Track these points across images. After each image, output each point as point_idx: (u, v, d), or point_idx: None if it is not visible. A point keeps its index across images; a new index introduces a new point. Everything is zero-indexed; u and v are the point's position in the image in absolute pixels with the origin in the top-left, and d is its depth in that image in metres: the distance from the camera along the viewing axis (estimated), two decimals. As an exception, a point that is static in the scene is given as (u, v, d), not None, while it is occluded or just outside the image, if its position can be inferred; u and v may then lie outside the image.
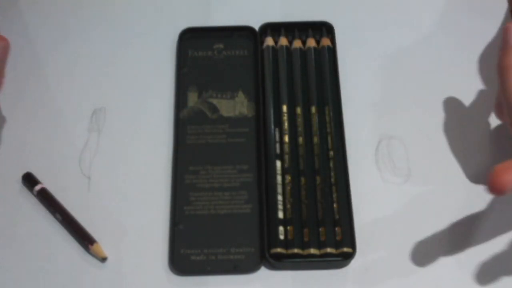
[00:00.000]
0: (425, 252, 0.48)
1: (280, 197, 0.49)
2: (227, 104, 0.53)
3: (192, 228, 0.48)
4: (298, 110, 0.52)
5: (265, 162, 0.50)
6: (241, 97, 0.53)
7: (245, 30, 0.56)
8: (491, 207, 0.49)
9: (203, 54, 0.55)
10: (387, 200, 0.50)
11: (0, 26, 0.57)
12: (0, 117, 0.53)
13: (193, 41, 0.56)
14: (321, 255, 0.47)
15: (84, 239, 0.48)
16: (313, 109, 0.52)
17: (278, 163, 0.50)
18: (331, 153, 0.50)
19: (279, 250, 0.47)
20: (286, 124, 0.51)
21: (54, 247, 0.48)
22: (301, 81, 0.53)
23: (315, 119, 0.51)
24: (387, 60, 0.55)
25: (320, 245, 0.47)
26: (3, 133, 0.53)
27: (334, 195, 0.48)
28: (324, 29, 0.55)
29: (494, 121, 0.52)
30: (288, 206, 0.48)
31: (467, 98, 0.54)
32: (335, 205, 0.48)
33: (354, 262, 0.47)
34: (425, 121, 0.53)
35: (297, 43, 0.55)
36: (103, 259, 0.47)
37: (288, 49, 0.55)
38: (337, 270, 0.47)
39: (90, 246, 0.48)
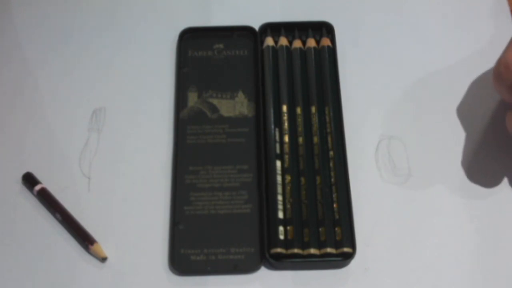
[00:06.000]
0: (425, 252, 0.48)
1: (280, 197, 0.49)
2: (227, 104, 0.53)
3: (192, 228, 0.48)
4: (298, 110, 0.52)
5: (265, 162, 0.50)
6: (241, 97, 0.53)
7: (245, 30, 0.56)
8: (491, 206, 0.49)
9: (203, 54, 0.55)
10: (387, 200, 0.50)
11: (0, 25, 0.57)
12: (0, 117, 0.53)
13: (193, 41, 0.56)
14: (321, 255, 0.47)
15: (84, 239, 0.48)
16: (313, 109, 0.52)
17: (278, 163, 0.50)
18: (331, 153, 0.50)
19: (279, 250, 0.47)
20: (286, 124, 0.51)
21: (54, 247, 0.48)
22: (301, 81, 0.53)
23: (315, 119, 0.51)
24: (387, 60, 0.55)
25: (320, 245, 0.47)
26: (3, 133, 0.53)
27: (334, 195, 0.49)
28: (324, 29, 0.55)
29: (494, 121, 0.53)
30: (288, 206, 0.48)
31: (468, 98, 0.54)
32: (335, 205, 0.48)
33: (354, 262, 0.47)
34: (425, 121, 0.53)
35: (297, 43, 0.55)
36: (103, 259, 0.47)
37: (288, 49, 0.55)
38: (337, 270, 0.47)
39: (90, 246, 0.48)
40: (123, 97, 0.54)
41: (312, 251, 0.47)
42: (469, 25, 0.57)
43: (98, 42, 0.57)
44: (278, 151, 0.50)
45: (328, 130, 0.51)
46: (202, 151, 0.51)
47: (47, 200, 0.49)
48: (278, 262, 0.47)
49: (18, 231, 0.49)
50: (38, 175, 0.51)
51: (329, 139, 0.51)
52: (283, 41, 0.55)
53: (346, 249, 0.47)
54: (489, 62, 0.53)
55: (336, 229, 0.47)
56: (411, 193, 0.50)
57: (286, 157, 0.50)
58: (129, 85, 0.55)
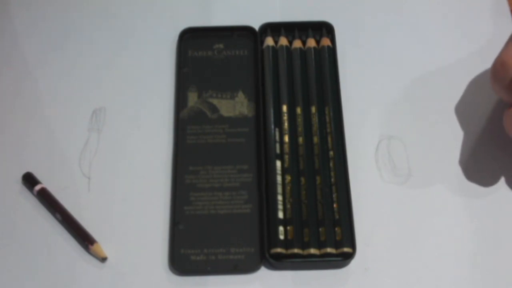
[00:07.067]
0: (425, 252, 0.48)
1: (280, 197, 0.49)
2: (227, 104, 0.53)
3: (192, 228, 0.48)
4: (298, 110, 0.52)
5: (265, 162, 0.50)
6: (241, 97, 0.53)
7: (245, 30, 0.56)
8: (490, 206, 0.49)
9: (203, 54, 0.55)
10: (387, 200, 0.50)
11: (0, 25, 0.57)
12: (0, 117, 0.53)
13: (193, 41, 0.56)
14: (321, 255, 0.47)
15: (84, 239, 0.48)
16: (313, 109, 0.52)
17: (278, 163, 0.50)
18: (331, 153, 0.50)
19: (279, 250, 0.47)
20: (286, 124, 0.51)
21: (54, 247, 0.48)
22: (301, 81, 0.53)
23: (315, 119, 0.51)
24: (387, 60, 0.55)
25: (320, 245, 0.47)
26: (3, 133, 0.53)
27: (334, 195, 0.49)
28: (324, 29, 0.55)
29: (494, 121, 0.53)
30: (288, 206, 0.48)
31: (468, 98, 0.54)
32: (335, 205, 0.48)
33: (354, 262, 0.47)
34: (425, 121, 0.53)
35: (297, 43, 0.55)
36: (103, 259, 0.47)
37: (288, 49, 0.55)
38: (337, 270, 0.47)
39: (90, 246, 0.48)
40: (123, 97, 0.54)
41: (312, 251, 0.47)
42: (469, 25, 0.57)
43: (98, 42, 0.57)
44: (278, 151, 0.50)
45: (328, 130, 0.51)
46: (202, 151, 0.51)
47: (47, 200, 0.49)
48: (278, 262, 0.47)
49: (18, 231, 0.49)
50: (38, 175, 0.51)
51: (329, 139, 0.51)
52: (283, 41, 0.55)
53: (346, 249, 0.47)
54: (488, 62, 0.53)
55: (336, 229, 0.47)
56: (411, 193, 0.50)
57: (286, 157, 0.50)
58: (129, 85, 0.55)
